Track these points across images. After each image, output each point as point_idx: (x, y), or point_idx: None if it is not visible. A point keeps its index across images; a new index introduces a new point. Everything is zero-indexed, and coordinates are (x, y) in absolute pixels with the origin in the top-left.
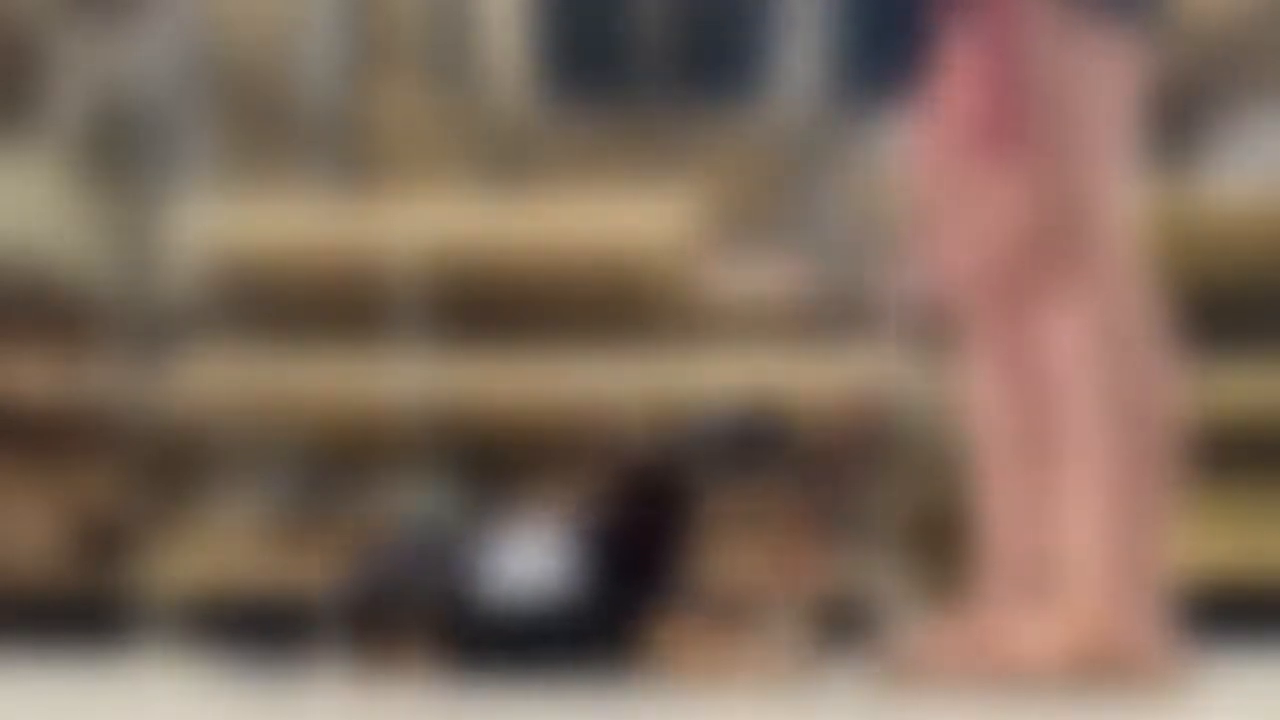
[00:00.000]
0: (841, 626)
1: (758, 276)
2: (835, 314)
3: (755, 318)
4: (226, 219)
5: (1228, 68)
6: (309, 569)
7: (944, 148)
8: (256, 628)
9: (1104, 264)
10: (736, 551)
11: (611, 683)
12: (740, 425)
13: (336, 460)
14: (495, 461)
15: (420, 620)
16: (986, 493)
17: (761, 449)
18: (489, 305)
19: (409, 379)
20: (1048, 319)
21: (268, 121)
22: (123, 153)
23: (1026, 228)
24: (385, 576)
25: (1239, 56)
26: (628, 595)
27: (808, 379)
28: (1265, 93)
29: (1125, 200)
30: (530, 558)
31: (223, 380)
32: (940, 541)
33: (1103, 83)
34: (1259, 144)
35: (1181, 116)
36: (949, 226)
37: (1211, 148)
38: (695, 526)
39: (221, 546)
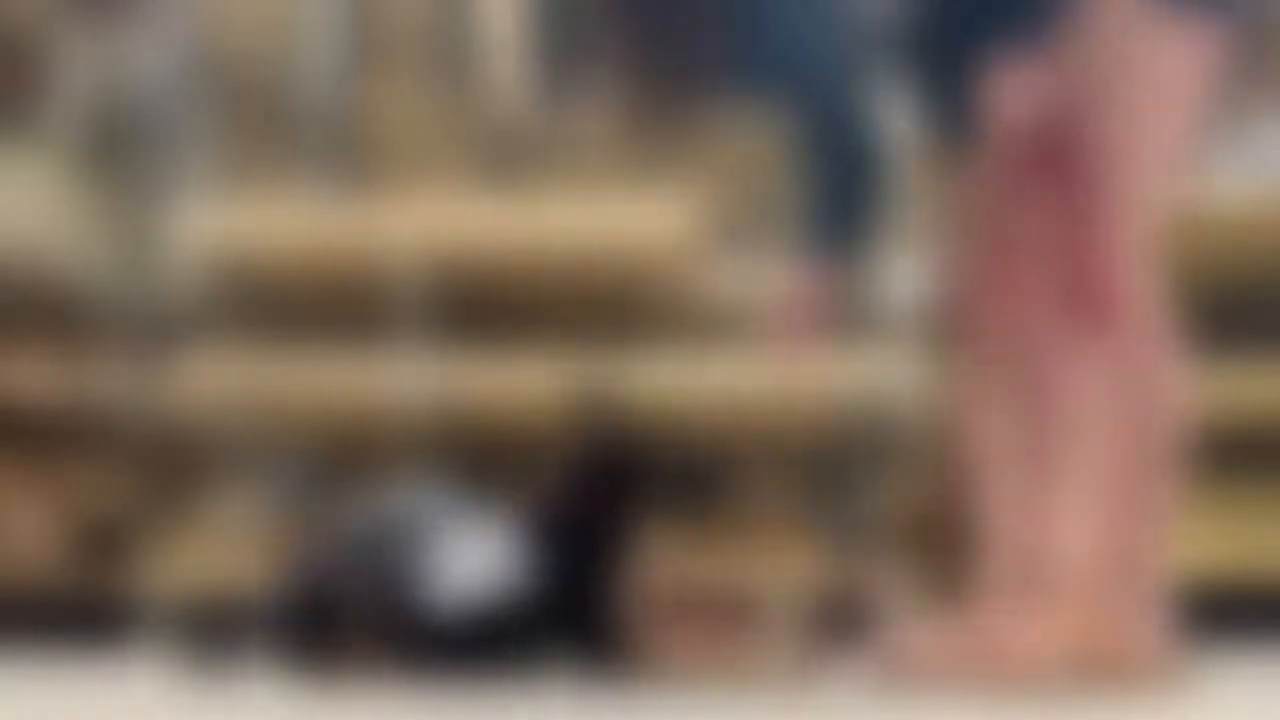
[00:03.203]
0: (841, 626)
1: (758, 276)
2: (835, 314)
3: (755, 318)
4: (226, 219)
5: (1229, 69)
6: None
7: (996, 169)
8: (256, 628)
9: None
10: (725, 550)
11: (573, 680)
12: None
13: (336, 460)
14: (495, 461)
15: (364, 621)
16: (985, 493)
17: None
18: (489, 305)
19: (409, 379)
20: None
21: (268, 121)
22: (123, 153)
23: (1056, 266)
24: (325, 577)
25: (1240, 58)
26: (576, 588)
27: (808, 379)
28: (1266, 94)
29: (1162, 198)
30: (478, 554)
31: (223, 380)
32: (940, 541)
33: (1171, 73)
34: (1259, 144)
35: None
36: (979, 251)
37: (1211, 148)
38: (643, 522)
39: (221, 547)
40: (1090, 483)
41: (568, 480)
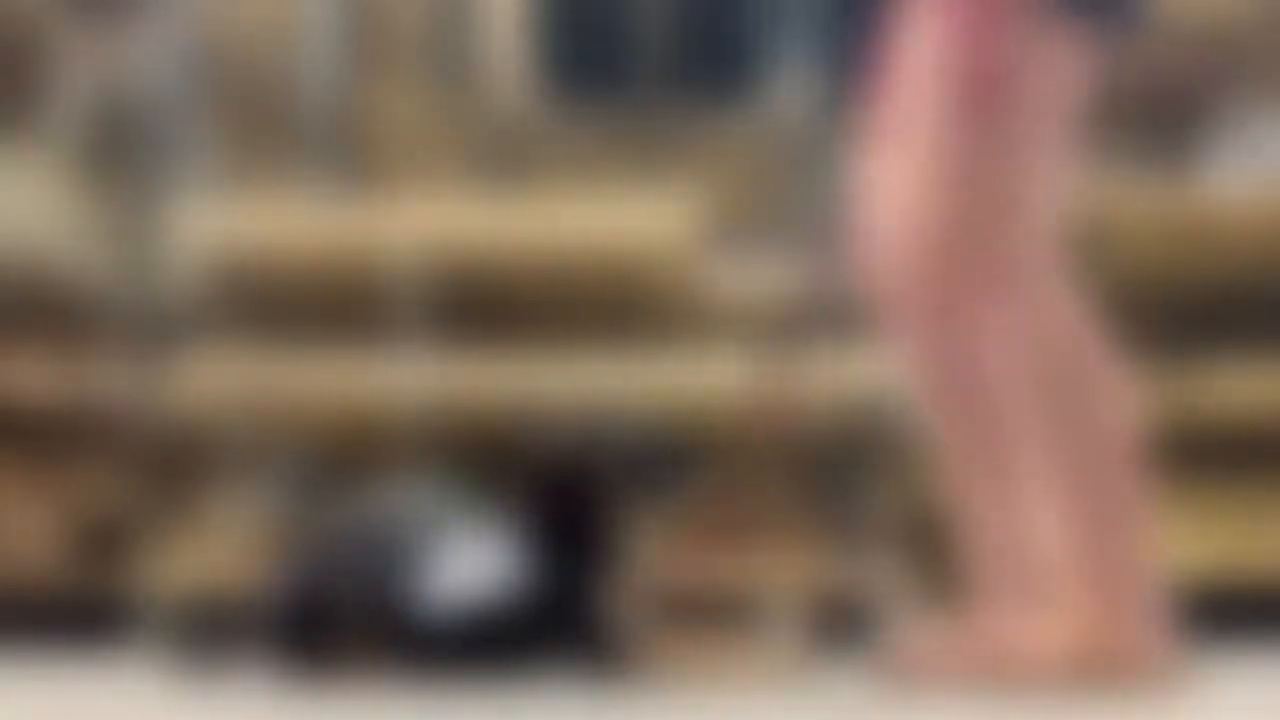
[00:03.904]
0: (841, 626)
1: (758, 276)
2: (835, 314)
3: (755, 318)
4: (226, 219)
5: (1228, 68)
6: None
7: (887, 145)
8: (255, 628)
9: (1033, 268)
10: (720, 552)
11: (571, 682)
12: (634, 441)
13: (336, 460)
14: (495, 461)
15: (361, 621)
16: (957, 497)
17: (657, 465)
18: (489, 305)
19: (409, 379)
20: (978, 325)
21: (268, 121)
22: (123, 153)
23: (954, 224)
24: (322, 577)
25: (1239, 56)
26: (574, 589)
27: (807, 379)
28: (1264, 93)
29: (1057, 203)
30: (476, 555)
31: (223, 380)
32: (940, 541)
33: (1052, 81)
34: (1259, 144)
35: (1180, 116)
36: (881, 226)
37: (1211, 148)
38: (624, 523)
39: (221, 547)
40: (1043, 489)
41: (563, 481)
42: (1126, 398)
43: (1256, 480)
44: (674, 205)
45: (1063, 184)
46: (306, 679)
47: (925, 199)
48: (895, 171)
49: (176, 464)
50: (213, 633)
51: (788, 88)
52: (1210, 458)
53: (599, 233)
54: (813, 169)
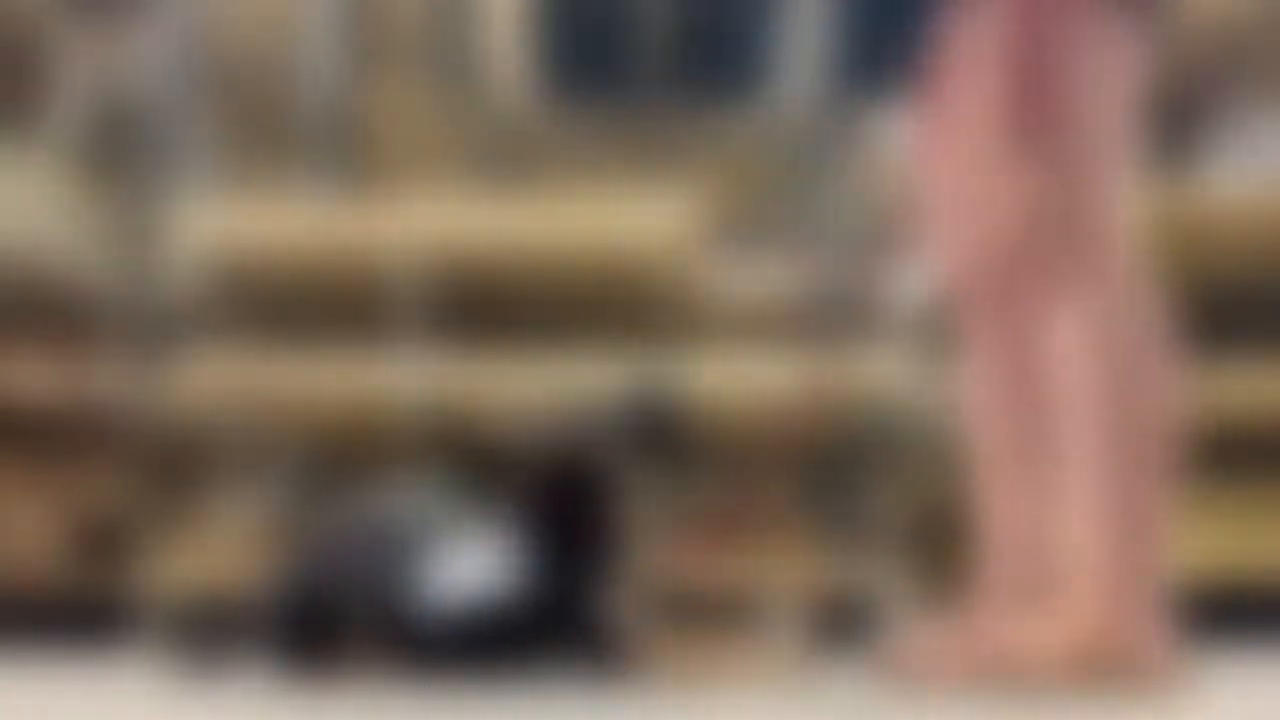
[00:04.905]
0: (841, 626)
1: (758, 276)
2: (835, 314)
3: (755, 318)
4: (226, 219)
5: (1228, 68)
6: None
7: (946, 138)
8: (255, 628)
9: (1104, 263)
10: (720, 552)
11: (570, 682)
12: (633, 414)
13: (336, 460)
14: (495, 462)
15: (361, 622)
16: (984, 491)
17: (655, 436)
18: (489, 305)
19: (409, 379)
20: (1047, 317)
21: (267, 121)
22: (123, 153)
23: (1028, 221)
24: (322, 577)
25: (1239, 56)
26: (573, 590)
27: (808, 379)
28: (1265, 93)
29: (1126, 200)
30: (475, 555)
31: (223, 380)
32: (940, 541)
33: (1109, 77)
34: (1259, 144)
35: (1181, 116)
36: (949, 220)
37: (1211, 148)
38: (622, 514)
39: (221, 547)
40: (1088, 483)
41: (562, 481)
42: (1175, 401)
43: (1257, 480)
44: (674, 205)
45: (1130, 183)
46: (306, 679)
47: (1000, 196)
48: (962, 168)
49: (176, 464)
50: (213, 633)
51: (789, 88)
52: (1210, 457)
53: (599, 232)
54: (813, 169)
